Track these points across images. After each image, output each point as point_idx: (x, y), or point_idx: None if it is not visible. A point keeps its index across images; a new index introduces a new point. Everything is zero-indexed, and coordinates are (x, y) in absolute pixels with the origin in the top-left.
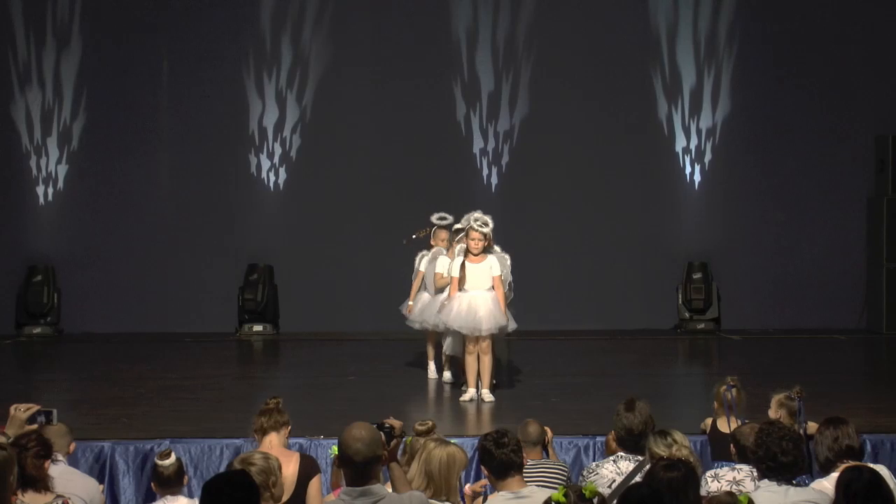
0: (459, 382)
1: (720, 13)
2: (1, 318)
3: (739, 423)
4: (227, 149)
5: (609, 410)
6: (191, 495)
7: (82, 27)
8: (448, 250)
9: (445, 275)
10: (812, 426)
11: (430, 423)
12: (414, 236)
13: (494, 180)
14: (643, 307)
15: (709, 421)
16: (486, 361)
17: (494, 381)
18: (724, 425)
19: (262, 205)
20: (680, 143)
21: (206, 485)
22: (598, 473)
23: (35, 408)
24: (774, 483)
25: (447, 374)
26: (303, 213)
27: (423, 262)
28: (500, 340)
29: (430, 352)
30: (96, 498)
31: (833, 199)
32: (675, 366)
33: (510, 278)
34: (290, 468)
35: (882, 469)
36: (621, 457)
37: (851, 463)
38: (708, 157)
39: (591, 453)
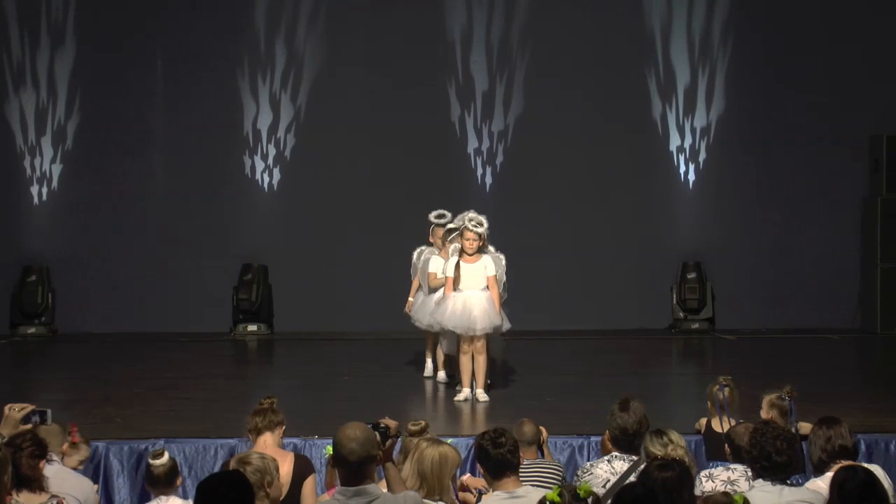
0: (454, 382)
1: (714, 12)
2: None
3: (733, 422)
4: (222, 149)
5: (603, 410)
6: (185, 495)
7: (76, 26)
8: (441, 250)
9: (439, 275)
10: (804, 426)
11: (424, 422)
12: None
13: (489, 180)
14: (637, 307)
15: (703, 421)
16: (481, 361)
17: (489, 381)
18: (719, 425)
19: (257, 205)
20: (674, 142)
21: (201, 485)
22: (592, 473)
23: (29, 408)
24: (769, 483)
25: (441, 374)
26: (297, 213)
27: (421, 259)
28: (499, 341)
29: (430, 350)
30: (91, 498)
31: (827, 199)
32: (669, 366)
33: (504, 279)
34: (284, 468)
35: (876, 469)
36: (616, 456)
37: (846, 463)
38: (702, 156)
39: (585, 453)
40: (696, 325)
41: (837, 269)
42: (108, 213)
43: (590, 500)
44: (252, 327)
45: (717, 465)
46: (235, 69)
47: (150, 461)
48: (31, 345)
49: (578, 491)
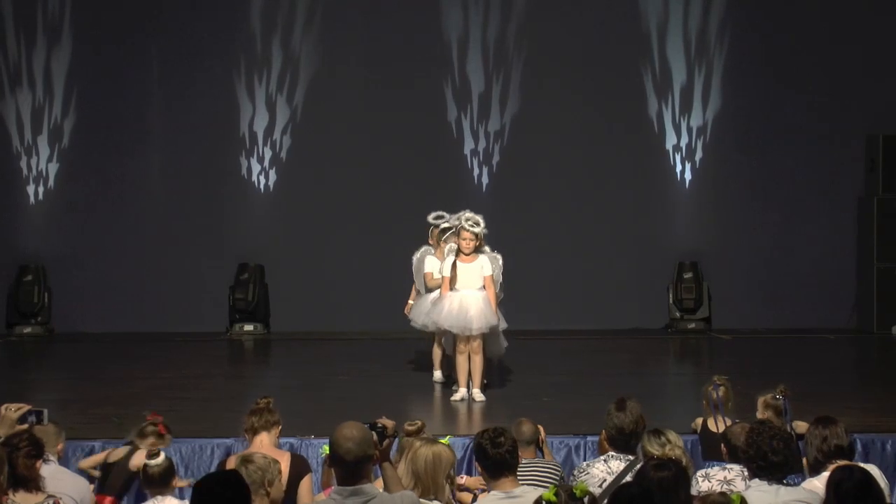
0: (451, 382)
1: (711, 11)
2: None
3: (729, 422)
4: (218, 150)
5: (600, 410)
6: (181, 495)
7: (72, 25)
8: (436, 250)
9: (436, 275)
10: (799, 425)
11: (420, 422)
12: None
13: (485, 180)
14: (634, 307)
15: (699, 421)
16: (477, 361)
17: (485, 381)
18: (715, 425)
19: (253, 206)
20: (670, 140)
21: (197, 484)
22: (588, 473)
23: (26, 407)
24: (765, 482)
25: (438, 374)
26: (294, 213)
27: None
28: (498, 341)
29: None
30: (87, 498)
31: (824, 199)
32: (665, 365)
33: (501, 279)
34: (281, 468)
35: (873, 469)
36: (612, 456)
37: (842, 462)
38: (699, 154)
39: (582, 453)
40: (692, 325)
41: (834, 268)
42: (105, 213)
43: (586, 500)
44: (248, 327)
45: (714, 465)
46: (232, 70)
47: (146, 461)
48: (27, 344)
49: (575, 490)
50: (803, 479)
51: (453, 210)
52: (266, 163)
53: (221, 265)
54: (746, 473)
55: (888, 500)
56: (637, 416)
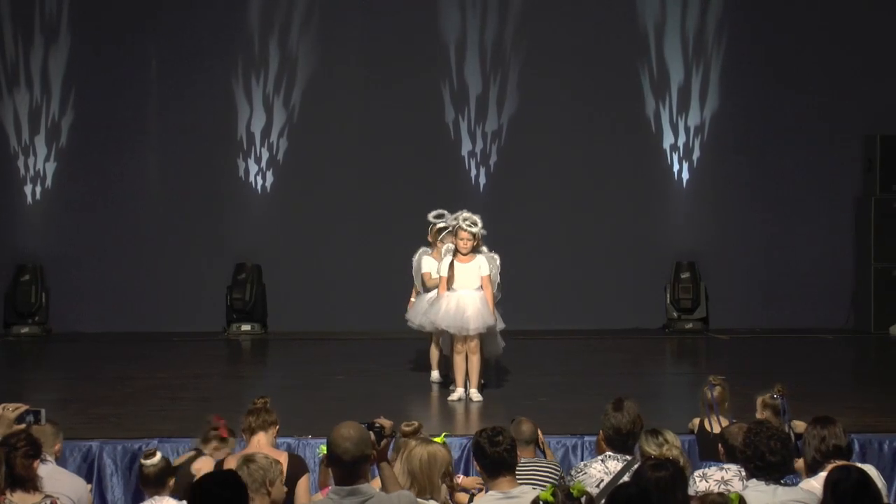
0: (448, 382)
1: (708, 11)
2: None
3: (726, 422)
4: (216, 149)
5: (597, 410)
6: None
7: (70, 25)
8: (433, 249)
9: (434, 275)
10: (798, 424)
11: (417, 423)
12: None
13: (483, 180)
14: (631, 307)
15: (696, 421)
16: (475, 361)
17: (482, 381)
18: (715, 425)
19: (251, 206)
20: (668, 140)
21: (195, 484)
22: (586, 473)
23: (23, 407)
24: (762, 483)
25: (435, 374)
26: (291, 213)
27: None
28: (495, 342)
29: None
30: (84, 497)
31: (821, 199)
32: (663, 365)
33: (498, 279)
34: (282, 468)
35: (870, 469)
36: (609, 456)
37: (839, 463)
38: (696, 154)
39: (579, 453)
40: (689, 325)
41: (831, 268)
42: (102, 213)
43: (583, 500)
44: (246, 327)
45: (711, 465)
46: (230, 70)
47: (142, 461)
48: (24, 344)
49: (572, 490)
50: (801, 480)
51: (451, 210)
52: (263, 163)
53: (219, 265)
54: (744, 473)
55: (885, 500)
56: (634, 417)
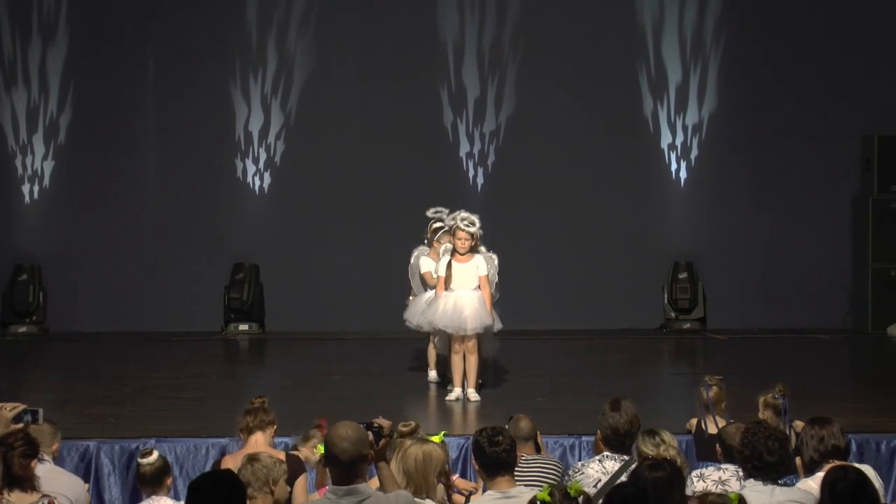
0: (446, 382)
1: (706, 10)
2: None
3: (723, 422)
4: (214, 149)
5: (595, 410)
6: (176, 495)
7: (68, 24)
8: (430, 250)
9: (435, 274)
10: (798, 424)
11: (414, 423)
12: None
13: (480, 180)
14: (629, 307)
15: (693, 421)
16: (472, 361)
17: (480, 381)
18: (710, 426)
19: (248, 206)
20: (665, 139)
21: (192, 484)
22: (583, 473)
23: (21, 407)
24: (760, 483)
25: (433, 374)
26: (289, 214)
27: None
28: (492, 342)
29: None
30: (82, 497)
31: (819, 199)
32: (660, 365)
33: (496, 279)
34: (285, 468)
35: (867, 469)
36: (607, 456)
37: (837, 463)
38: (694, 153)
39: (576, 453)
40: (687, 325)
41: (829, 269)
42: (100, 213)
43: (580, 500)
44: (243, 326)
45: (709, 466)
46: (228, 70)
47: (139, 460)
48: (22, 344)
49: (569, 490)
50: (798, 480)
51: (449, 211)
52: (261, 163)
53: (216, 265)
54: (741, 474)
55: (883, 500)
56: (632, 417)
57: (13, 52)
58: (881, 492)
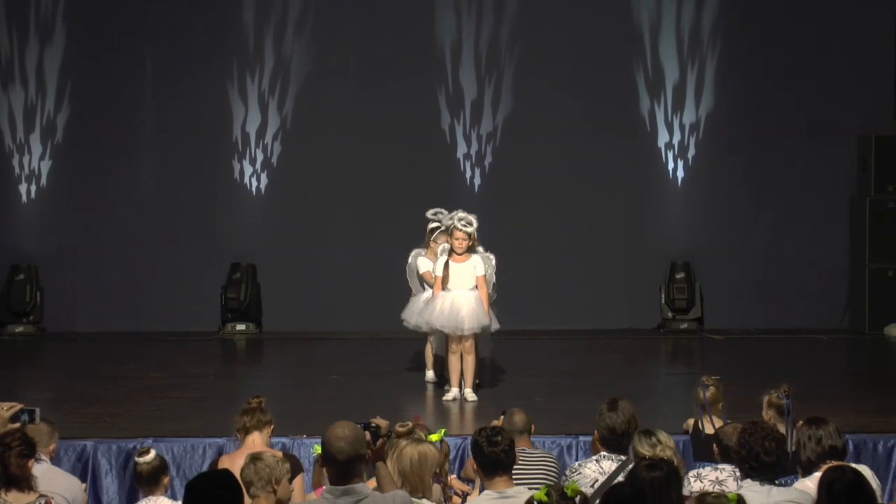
0: (443, 382)
1: (704, 10)
2: None
3: (720, 422)
4: (211, 149)
5: (592, 410)
6: (173, 495)
7: (65, 23)
8: (427, 250)
9: (433, 273)
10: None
11: (411, 424)
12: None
13: (477, 181)
14: (626, 307)
15: (691, 421)
16: (470, 361)
17: (477, 381)
18: (707, 426)
19: (246, 206)
20: (663, 138)
21: (189, 484)
22: (580, 473)
23: (18, 406)
24: (757, 483)
25: (430, 374)
26: (286, 213)
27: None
28: (487, 341)
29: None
30: (79, 497)
31: (816, 199)
32: (657, 366)
33: (494, 279)
34: (289, 467)
35: (864, 469)
36: (604, 456)
37: (834, 463)
38: (691, 152)
39: (574, 453)
40: (684, 325)
41: (826, 269)
42: (98, 212)
43: (577, 500)
44: (240, 326)
45: (706, 466)
46: (225, 71)
47: (136, 459)
48: (19, 343)
49: (566, 490)
50: (795, 480)
51: (448, 211)
52: (258, 164)
53: (214, 264)
54: (738, 474)
55: (880, 500)
56: (629, 417)
57: (10, 51)
58: (878, 492)
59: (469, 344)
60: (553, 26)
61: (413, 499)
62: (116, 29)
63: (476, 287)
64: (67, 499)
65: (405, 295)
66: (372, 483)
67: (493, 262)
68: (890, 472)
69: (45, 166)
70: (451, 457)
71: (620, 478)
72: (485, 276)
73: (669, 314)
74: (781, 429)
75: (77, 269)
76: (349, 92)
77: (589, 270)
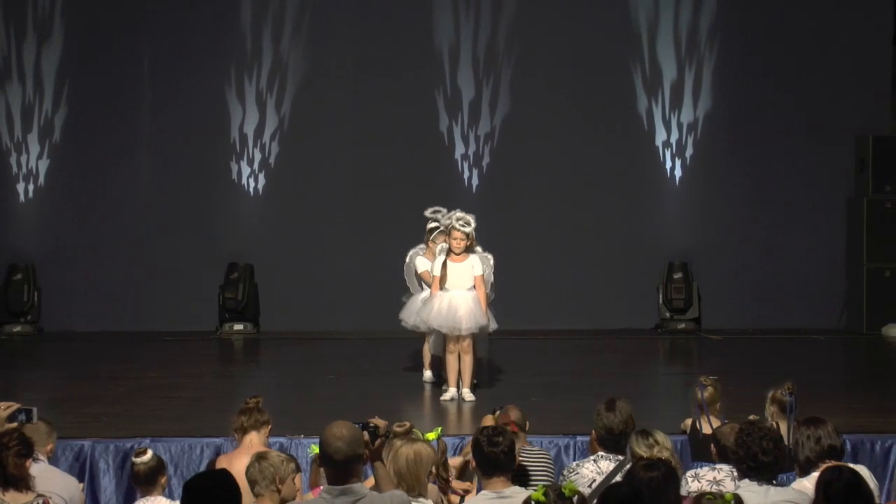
0: (440, 382)
1: (701, 9)
2: None
3: (718, 423)
4: (209, 149)
5: (590, 410)
6: (170, 494)
7: (63, 21)
8: (426, 250)
9: (432, 273)
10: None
11: (408, 424)
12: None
13: (475, 181)
14: (624, 307)
15: (688, 421)
16: (467, 361)
17: (475, 381)
18: (704, 426)
19: (243, 207)
20: (660, 137)
21: (187, 484)
22: (578, 473)
23: (15, 406)
24: (755, 483)
25: (428, 374)
26: (284, 213)
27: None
28: (484, 341)
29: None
30: (76, 497)
31: (814, 199)
32: (655, 366)
33: (492, 279)
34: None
35: (862, 469)
36: (602, 456)
37: (832, 463)
38: (689, 151)
39: (571, 453)
40: (682, 325)
41: (823, 269)
42: (96, 212)
43: (575, 500)
44: (238, 326)
45: (703, 466)
46: (223, 71)
47: (134, 459)
48: (16, 343)
49: (564, 490)
50: (793, 478)
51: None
52: (256, 164)
53: (211, 264)
54: (736, 474)
55: (877, 500)
56: (627, 417)
57: (8, 50)
58: (875, 492)
59: (467, 344)
60: (551, 27)
61: (412, 499)
62: (115, 29)
63: (474, 287)
64: (65, 498)
65: (403, 295)
66: (369, 483)
67: (492, 262)
68: (887, 472)
69: (43, 166)
70: (450, 456)
71: (618, 478)
72: (483, 276)
73: (667, 314)
74: (783, 426)
75: (75, 268)
76: (347, 93)
77: (587, 270)
